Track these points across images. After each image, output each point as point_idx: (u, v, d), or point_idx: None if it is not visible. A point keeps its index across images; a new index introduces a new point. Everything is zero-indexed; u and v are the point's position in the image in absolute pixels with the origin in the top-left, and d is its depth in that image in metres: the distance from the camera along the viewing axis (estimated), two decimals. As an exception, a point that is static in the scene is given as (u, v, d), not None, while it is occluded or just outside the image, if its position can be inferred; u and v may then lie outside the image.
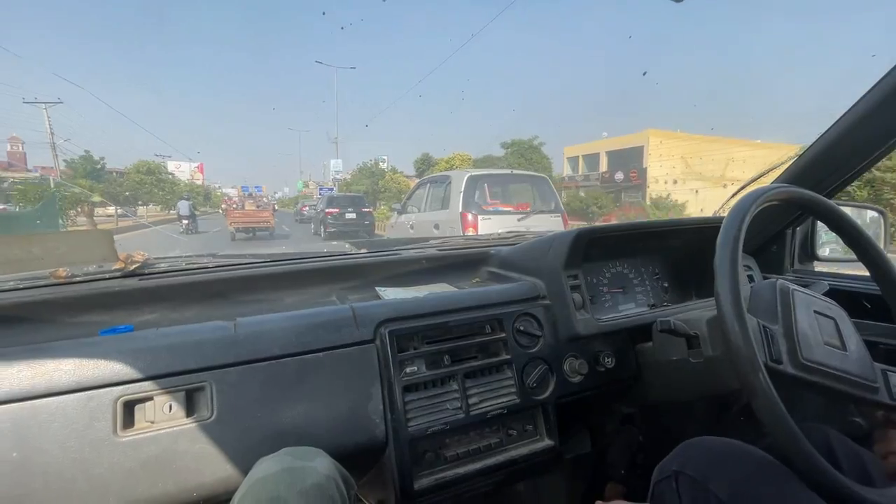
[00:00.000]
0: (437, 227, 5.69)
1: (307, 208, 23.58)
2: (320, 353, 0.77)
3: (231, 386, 0.71)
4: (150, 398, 0.67)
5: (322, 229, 13.95)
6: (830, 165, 1.05)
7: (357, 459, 0.79)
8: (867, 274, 0.82)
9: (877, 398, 0.71)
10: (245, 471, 0.69)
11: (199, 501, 0.68)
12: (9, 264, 0.72)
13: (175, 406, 0.68)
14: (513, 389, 0.90)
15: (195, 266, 0.98)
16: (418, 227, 6.07)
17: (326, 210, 13.83)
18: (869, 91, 0.94)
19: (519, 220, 5.61)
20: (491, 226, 5.40)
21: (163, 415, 0.67)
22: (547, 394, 0.93)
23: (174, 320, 0.87)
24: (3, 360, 0.62)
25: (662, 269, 1.27)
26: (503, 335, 0.92)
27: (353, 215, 13.68)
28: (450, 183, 5.81)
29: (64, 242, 0.77)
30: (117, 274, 0.89)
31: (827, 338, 0.74)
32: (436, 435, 0.82)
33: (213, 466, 0.67)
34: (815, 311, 0.76)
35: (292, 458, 0.59)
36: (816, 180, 1.05)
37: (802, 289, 0.79)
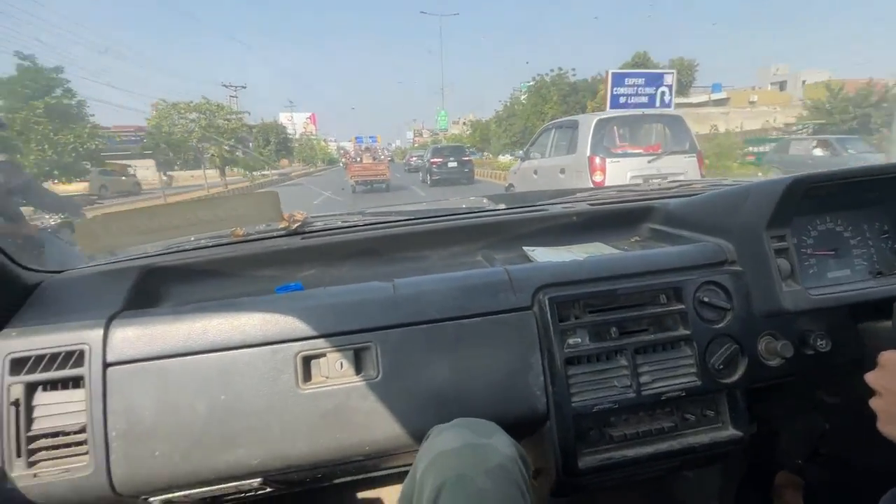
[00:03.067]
0: (562, 171, 5.70)
1: (415, 158, 25.54)
2: (477, 318, 0.73)
3: (394, 347, 0.71)
4: (323, 355, 0.70)
5: (428, 177, 15.86)
6: None
7: (514, 430, 0.76)
8: None
9: None
10: (412, 431, 0.70)
11: (371, 454, 0.71)
12: (200, 225, 0.80)
13: (345, 364, 0.70)
14: (692, 370, 0.77)
15: (348, 224, 1.00)
16: (542, 172, 6.11)
17: (431, 160, 15.76)
18: None
19: (649, 161, 5.40)
20: (620, 168, 5.28)
21: (335, 371, 0.70)
22: (736, 377, 0.78)
23: (333, 276, 0.91)
24: (205, 314, 0.69)
25: (892, 226, 0.97)
26: (681, 307, 0.78)
27: (454, 164, 15.29)
28: (577, 127, 5.76)
29: (241, 204, 0.82)
30: (282, 232, 0.95)
31: None
32: (601, 413, 0.74)
33: (382, 424, 0.69)
34: None
35: (472, 433, 0.57)
36: None
37: None
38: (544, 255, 0.92)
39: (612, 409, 0.74)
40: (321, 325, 0.70)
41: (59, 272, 0.80)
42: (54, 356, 0.65)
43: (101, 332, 0.66)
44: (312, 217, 1.01)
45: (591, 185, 5.22)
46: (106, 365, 0.65)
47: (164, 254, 0.87)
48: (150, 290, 0.80)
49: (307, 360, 0.70)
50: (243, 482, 0.71)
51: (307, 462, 0.69)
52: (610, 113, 6.08)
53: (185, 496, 0.71)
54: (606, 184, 5.21)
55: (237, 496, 0.75)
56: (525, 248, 0.96)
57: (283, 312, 0.70)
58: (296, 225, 0.95)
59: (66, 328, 0.67)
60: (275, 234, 0.95)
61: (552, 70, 24.91)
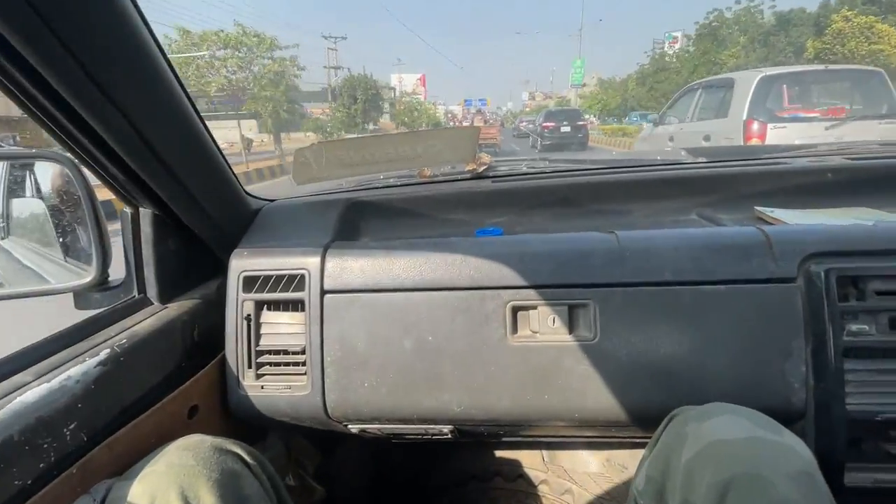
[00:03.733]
0: (706, 139, 4.84)
1: (525, 123, 24.54)
2: (721, 286, 0.60)
3: (616, 308, 0.61)
4: (534, 307, 0.63)
5: (539, 142, 15.18)
6: None
7: None
8: None
9: None
10: (631, 405, 0.60)
11: (580, 421, 0.63)
12: (399, 161, 0.76)
13: (558, 321, 0.63)
14: None
15: (536, 171, 0.90)
16: (680, 139, 5.31)
17: (543, 124, 15.10)
18: None
19: (827, 128, 4.31)
20: (784, 137, 4.34)
21: (547, 327, 0.63)
22: None
23: (526, 225, 0.83)
24: (414, 252, 0.66)
25: None
26: None
27: (567, 129, 14.44)
28: (733, 86, 4.84)
29: (440, 140, 0.78)
30: (468, 175, 0.89)
31: None
32: (885, 424, 0.57)
33: (597, 392, 0.61)
34: None
35: (752, 425, 0.45)
36: None
37: None
38: (795, 218, 0.73)
39: None
40: (534, 274, 0.63)
41: (272, 200, 0.83)
42: (279, 278, 0.67)
43: (318, 259, 0.67)
44: (497, 161, 0.93)
45: (742, 156, 4.48)
46: (323, 292, 0.66)
47: (361, 189, 0.86)
48: (352, 223, 0.80)
49: (516, 311, 0.64)
50: (436, 426, 0.69)
51: (510, 418, 0.64)
52: (781, 69, 5.03)
53: (378, 429, 0.71)
54: (763, 154, 4.50)
55: (422, 437, 0.74)
56: (759, 208, 0.78)
57: (492, 258, 0.64)
58: (482, 168, 0.88)
59: (289, 253, 0.68)
60: (461, 176, 0.89)
61: (738, 2, 18.94)
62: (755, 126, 4.58)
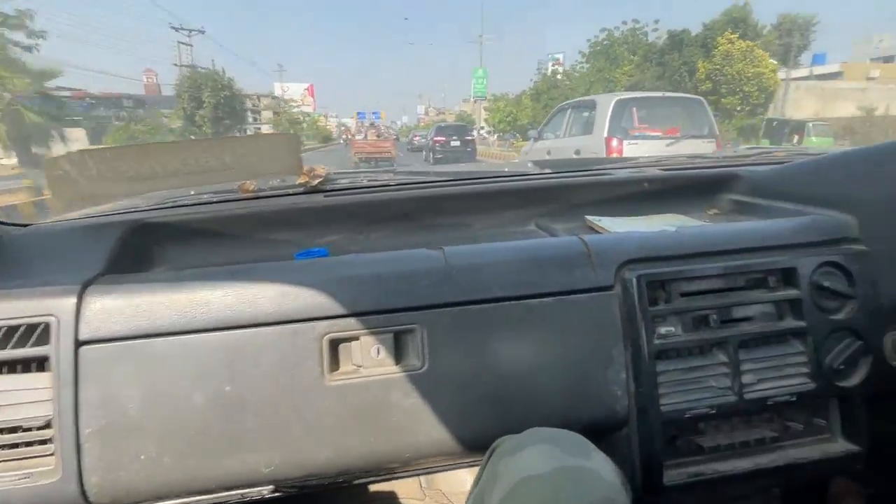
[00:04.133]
0: (577, 153, 5.52)
1: (418, 138, 25.18)
2: (548, 299, 0.58)
3: (444, 331, 0.56)
4: (355, 338, 0.56)
5: (430, 155, 15.88)
6: None
7: (587, 436, 0.62)
8: None
9: None
10: (465, 436, 0.56)
11: (411, 460, 0.57)
12: (203, 174, 0.64)
13: (383, 350, 0.56)
14: (805, 370, 0.62)
15: (378, 184, 0.84)
16: (556, 153, 5.95)
17: (434, 138, 15.83)
18: None
19: (667, 145, 5.26)
20: (637, 151, 5.16)
21: (371, 359, 0.56)
22: (856, 381, 0.63)
23: (362, 243, 0.75)
24: (207, 282, 0.54)
25: None
26: (796, 292, 0.63)
27: (457, 143, 15.27)
28: (595, 107, 5.66)
29: (253, 149, 0.67)
30: (301, 189, 0.79)
31: None
32: (692, 420, 0.60)
33: (427, 426, 0.55)
34: None
35: (563, 452, 0.42)
36: None
37: None
38: (616, 226, 0.76)
39: (707, 415, 0.60)
40: (354, 300, 0.55)
41: (24, 226, 0.64)
42: (11, 330, 0.50)
43: (73, 300, 0.51)
44: (336, 173, 0.85)
45: (608, 168, 5.19)
46: (78, 343, 0.51)
47: (158, 208, 0.71)
48: (139, 252, 0.65)
49: (335, 344, 0.55)
50: (251, 490, 0.57)
51: (332, 470, 0.55)
52: (630, 94, 5.96)
53: None
54: (623, 166, 5.28)
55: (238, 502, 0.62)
56: (589, 217, 0.81)
57: (306, 284, 0.55)
58: (317, 181, 0.79)
59: (28, 295, 0.52)
60: (291, 190, 0.79)
61: (624, 23, 19.79)
62: (614, 142, 5.40)
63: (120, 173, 0.61)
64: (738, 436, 0.63)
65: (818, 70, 22.85)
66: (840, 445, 0.65)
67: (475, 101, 30.79)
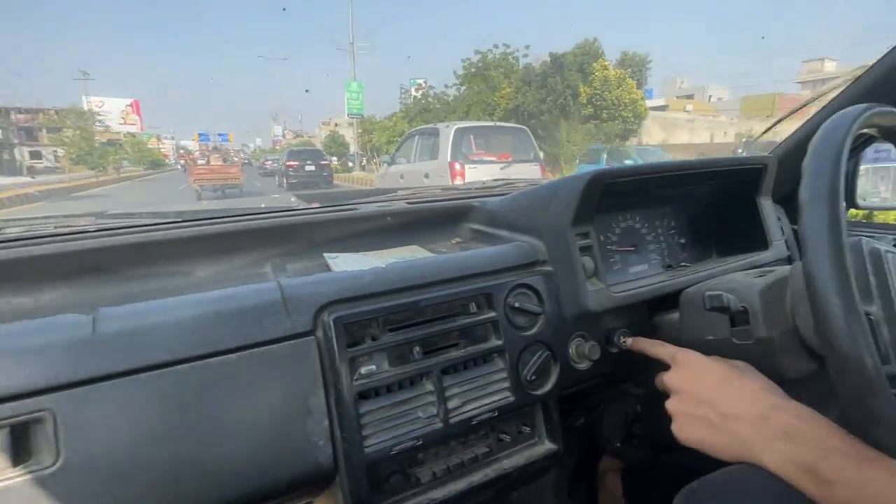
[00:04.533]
0: (426, 176, 6.01)
1: (270, 162, 24.42)
2: (232, 355, 0.54)
3: (89, 413, 0.47)
4: None
5: (284, 181, 15.46)
6: None
7: (298, 493, 0.58)
8: None
9: None
10: None
11: None
12: None
13: None
14: (505, 385, 0.69)
15: (67, 231, 0.70)
16: (408, 177, 6.36)
17: (287, 163, 15.39)
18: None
19: (501, 168, 5.92)
20: (477, 174, 5.65)
21: None
22: (548, 387, 0.72)
23: (21, 310, 0.61)
24: None
25: (679, 223, 1.06)
26: (493, 315, 0.69)
27: (312, 167, 15.11)
28: (438, 134, 6.17)
29: None
30: None
31: None
32: (404, 453, 0.61)
33: None
34: None
35: None
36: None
37: (891, 248, 0.58)
38: (348, 262, 0.76)
39: (415, 447, 0.61)
40: None
41: None
42: None
43: None
44: (4, 221, 0.69)
45: (454, 190, 5.69)
46: None
47: None
48: None
49: None
50: None
51: None
52: (467, 123, 6.69)
53: None
54: (466, 187, 5.82)
55: None
56: (326, 255, 0.79)
57: None
58: (-35, 233, 0.62)
59: None
60: None
61: (496, 46, 19.08)
62: (457, 166, 6.04)
63: None
64: (453, 459, 0.66)
65: (649, 103, 26.13)
66: (544, 447, 0.73)
67: (351, 123, 26.21)
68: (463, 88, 20.05)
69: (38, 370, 0.46)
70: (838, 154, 0.49)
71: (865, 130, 0.55)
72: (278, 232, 0.81)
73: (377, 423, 0.60)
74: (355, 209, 0.90)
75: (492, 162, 6.12)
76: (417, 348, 0.64)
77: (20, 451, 0.45)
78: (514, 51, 19.47)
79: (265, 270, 0.77)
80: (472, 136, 6.20)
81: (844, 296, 0.44)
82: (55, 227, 0.71)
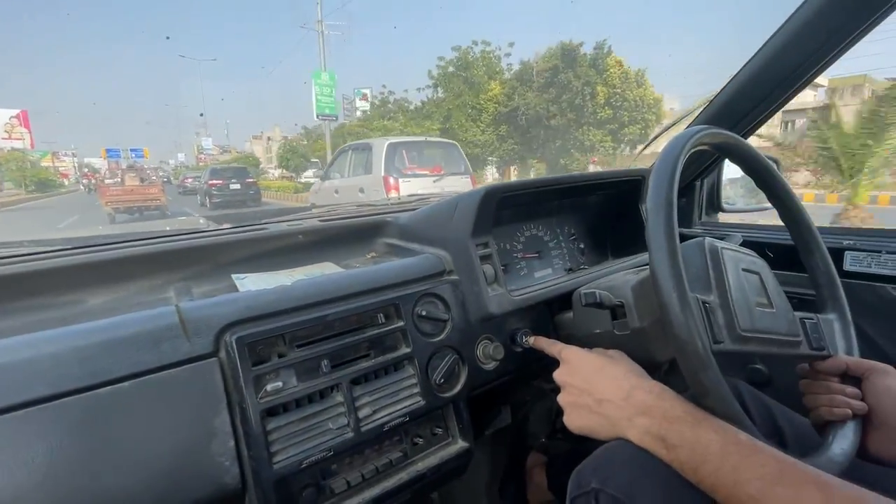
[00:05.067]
0: (361, 190, 6.11)
1: (190, 180, 22.50)
2: (124, 383, 0.52)
3: None
4: None
5: (207, 200, 14.54)
6: (744, 107, 0.98)
7: None
8: (769, 223, 0.77)
9: (799, 351, 0.67)
10: None
11: None
12: None
13: None
14: (416, 390, 0.73)
15: None
16: (343, 191, 6.45)
17: (209, 182, 14.48)
18: (782, 26, 0.87)
19: (434, 181, 6.11)
20: (411, 188, 5.80)
21: None
22: (457, 389, 0.77)
23: None
24: None
25: (578, 230, 1.17)
26: (401, 324, 0.73)
27: (237, 186, 14.42)
28: (371, 149, 6.28)
29: None
30: None
31: (756, 297, 0.66)
32: (315, 465, 0.63)
33: None
34: (743, 269, 0.68)
35: None
36: (731, 123, 0.98)
37: (729, 245, 0.70)
38: (256, 282, 0.76)
39: (327, 458, 0.63)
40: None
41: None
42: None
43: None
44: None
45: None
46: None
47: None
48: None
49: None
50: None
51: None
52: (399, 138, 6.85)
53: None
54: (401, 200, 5.96)
55: None
56: (235, 276, 0.79)
57: None
58: None
59: None
60: None
61: (475, 42, 16.78)
62: (391, 180, 6.16)
63: None
64: (368, 466, 0.68)
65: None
66: (457, 446, 0.77)
67: (322, 121, 20.05)
68: (439, 91, 17.31)
69: None
70: (672, 171, 0.59)
71: (700, 147, 0.67)
72: (182, 255, 0.80)
73: (285, 438, 0.61)
74: (265, 228, 0.90)
75: (424, 175, 6.32)
76: (325, 362, 0.66)
77: None
78: (495, 48, 17.13)
79: (168, 295, 0.75)
80: (404, 151, 6.37)
81: (678, 289, 0.53)
82: None
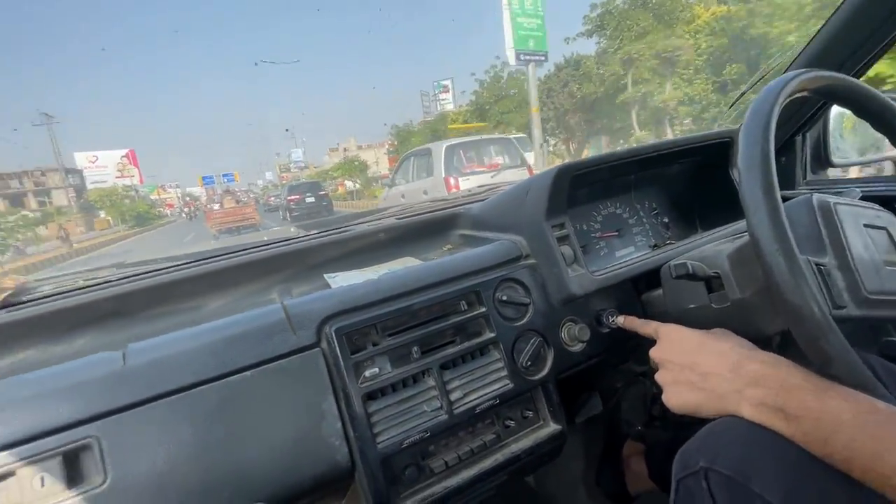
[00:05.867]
0: (425, 192, 6.40)
1: (273, 198, 25.01)
2: (248, 372, 0.60)
3: (129, 436, 0.53)
4: (10, 473, 0.49)
5: (287, 214, 16.43)
6: (849, 45, 0.86)
7: (324, 491, 0.63)
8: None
9: None
10: None
11: None
12: None
13: (49, 478, 0.50)
14: (503, 373, 0.73)
15: (91, 283, 0.78)
16: (409, 195, 6.75)
17: (288, 198, 16.39)
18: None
19: (492, 177, 6.30)
20: (470, 184, 6.43)
21: (33, 492, 0.50)
22: (545, 371, 0.77)
23: (58, 355, 0.68)
24: None
25: (661, 203, 1.10)
26: (483, 310, 0.74)
27: (312, 199, 16.14)
28: (431, 153, 6.69)
29: None
30: None
31: (885, 256, 0.58)
32: (415, 446, 0.66)
33: None
34: (866, 225, 0.60)
35: None
36: (837, 64, 0.87)
37: (844, 199, 0.62)
38: (346, 279, 0.82)
39: (424, 439, 0.66)
40: (8, 429, 0.50)
41: None
42: None
43: None
44: (37, 281, 0.77)
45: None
46: None
47: None
48: None
49: None
50: None
51: None
52: (455, 140, 7.10)
53: None
54: (463, 198, 6.17)
55: None
56: (326, 275, 0.86)
57: None
58: (3, 295, 0.70)
59: None
60: None
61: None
62: (451, 180, 6.37)
63: None
64: (463, 448, 0.71)
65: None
66: (549, 428, 0.77)
67: (521, 65, 13.43)
68: (603, 36, 12.20)
69: (81, 403, 0.53)
70: (766, 124, 0.53)
71: (799, 94, 0.60)
72: (279, 260, 0.88)
73: (386, 420, 0.65)
74: (349, 230, 0.96)
75: (482, 172, 6.50)
76: (416, 348, 0.69)
77: (74, 476, 0.51)
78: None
79: (272, 296, 0.83)
80: (461, 151, 6.68)
81: (784, 250, 0.48)
82: (83, 280, 0.78)
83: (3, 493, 0.49)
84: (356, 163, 26.17)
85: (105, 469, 0.52)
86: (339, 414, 0.62)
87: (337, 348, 0.64)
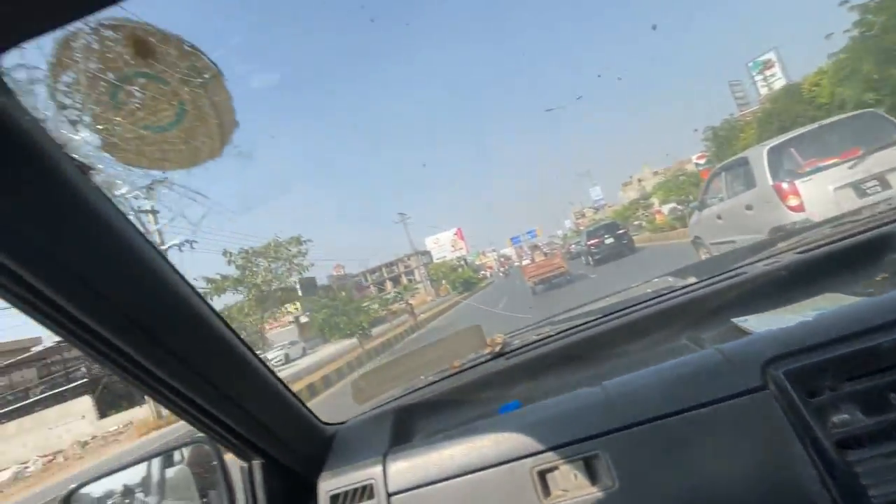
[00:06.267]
0: (748, 208, 5.46)
1: (573, 246, 25.95)
2: (703, 409, 0.69)
3: (623, 453, 0.70)
4: (555, 468, 0.73)
5: (590, 259, 16.97)
6: None
7: None
8: None
9: None
10: None
11: None
12: (429, 364, 0.98)
13: (579, 475, 0.72)
14: None
15: (543, 336, 1.08)
16: (727, 215, 5.95)
17: (588, 243, 17.21)
18: None
19: (850, 167, 4.72)
20: (817, 185, 4.72)
21: (571, 483, 0.72)
22: None
23: (543, 388, 0.96)
24: (450, 441, 0.81)
25: None
26: None
27: (611, 240, 16.21)
28: (748, 162, 5.61)
29: (452, 342, 1.00)
30: (488, 357, 1.08)
31: None
32: None
33: None
34: None
35: None
36: None
37: None
38: (763, 322, 0.83)
39: None
40: (547, 438, 0.75)
41: (343, 423, 1.04)
42: (355, 491, 0.83)
43: (380, 468, 0.83)
44: (510, 336, 1.12)
45: (788, 213, 4.65)
46: (389, 495, 0.80)
47: (406, 394, 1.06)
48: (405, 426, 0.98)
49: (542, 475, 0.74)
50: None
51: None
52: (780, 138, 5.63)
53: None
54: (807, 205, 4.60)
55: None
56: (735, 320, 0.89)
57: (510, 430, 0.77)
58: (498, 347, 1.07)
59: (358, 467, 0.85)
60: (482, 359, 1.08)
61: None
62: (784, 185, 4.99)
63: (385, 377, 0.98)
64: None
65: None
66: None
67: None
68: None
69: (585, 424, 0.74)
70: None
71: None
72: (682, 309, 0.98)
73: (876, 471, 0.60)
74: (744, 272, 0.97)
75: (834, 164, 4.83)
76: (893, 395, 0.63)
77: (593, 476, 0.71)
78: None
79: (684, 342, 0.93)
80: (792, 149, 5.24)
81: None
82: (535, 335, 1.10)
83: (555, 480, 0.74)
84: (681, 177, 20.76)
85: (613, 475, 0.69)
86: (811, 460, 0.62)
87: (791, 392, 0.66)
